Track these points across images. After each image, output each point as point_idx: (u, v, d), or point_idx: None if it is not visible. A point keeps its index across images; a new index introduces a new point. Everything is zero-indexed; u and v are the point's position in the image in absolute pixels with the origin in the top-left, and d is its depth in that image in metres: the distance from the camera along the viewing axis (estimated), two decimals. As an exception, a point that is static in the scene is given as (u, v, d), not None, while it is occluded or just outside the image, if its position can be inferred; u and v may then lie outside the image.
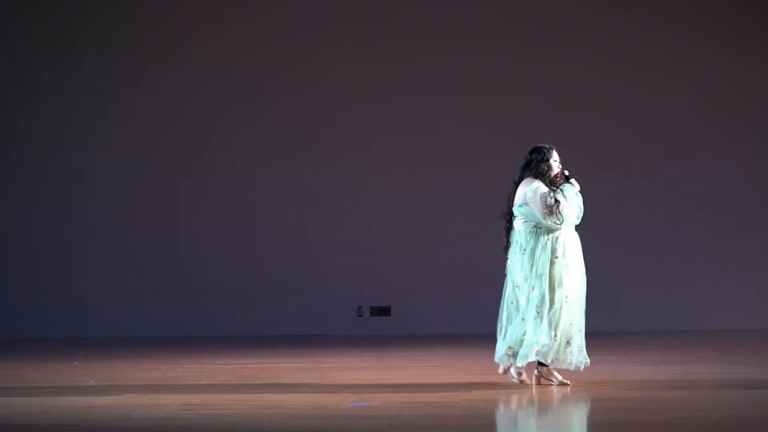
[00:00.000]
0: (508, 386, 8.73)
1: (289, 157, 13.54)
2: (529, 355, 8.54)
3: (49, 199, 13.57)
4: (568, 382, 8.63)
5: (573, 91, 13.44)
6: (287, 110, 13.58)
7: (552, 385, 8.62)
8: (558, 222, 8.56)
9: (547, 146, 8.80)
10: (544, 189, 8.60)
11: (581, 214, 8.67)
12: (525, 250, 8.62)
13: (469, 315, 13.39)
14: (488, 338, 12.59)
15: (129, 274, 13.48)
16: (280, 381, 9.30)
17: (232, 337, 13.03)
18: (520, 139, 13.27)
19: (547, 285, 8.53)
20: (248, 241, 13.52)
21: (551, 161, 8.73)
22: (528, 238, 8.63)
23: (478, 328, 13.25)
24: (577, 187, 8.71)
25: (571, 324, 8.55)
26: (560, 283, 8.55)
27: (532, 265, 8.58)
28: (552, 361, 8.54)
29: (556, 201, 8.55)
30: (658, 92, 13.45)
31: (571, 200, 8.61)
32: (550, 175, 8.70)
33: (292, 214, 13.53)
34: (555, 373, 8.65)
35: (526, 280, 8.58)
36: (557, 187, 8.65)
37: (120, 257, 13.52)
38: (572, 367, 8.57)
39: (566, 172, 8.74)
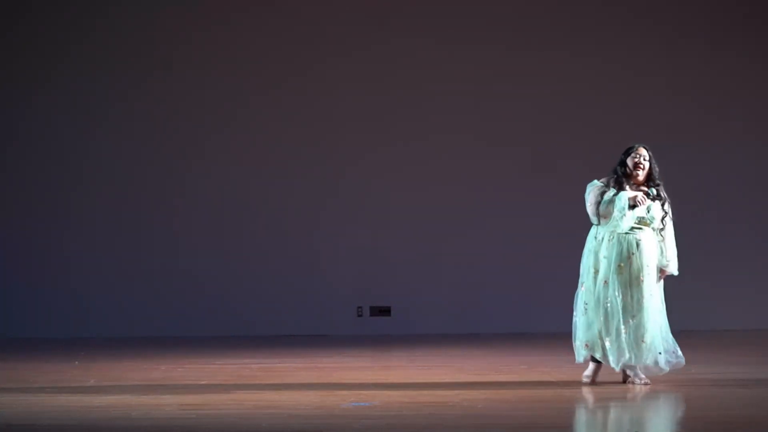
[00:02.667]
0: (509, 386, 8.75)
1: (289, 157, 13.54)
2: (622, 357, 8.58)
3: (48, 198, 13.56)
4: (648, 381, 8.64)
5: (573, 93, 13.42)
6: (288, 112, 13.57)
7: (637, 383, 8.63)
8: (594, 222, 8.66)
9: (631, 145, 8.78)
10: (596, 185, 8.67)
11: (619, 222, 8.60)
12: (590, 249, 8.70)
13: (469, 315, 13.40)
14: (488, 338, 12.64)
15: (129, 274, 13.47)
16: (279, 381, 9.30)
17: (232, 337, 13.03)
18: (519, 141, 13.40)
19: (606, 285, 8.54)
20: (248, 241, 13.51)
21: (627, 159, 8.68)
22: (591, 237, 8.72)
23: (478, 328, 13.28)
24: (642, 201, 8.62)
25: (645, 326, 8.56)
26: (627, 285, 8.56)
27: (592, 266, 8.65)
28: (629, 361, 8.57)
29: (600, 203, 8.58)
30: (657, 93, 13.43)
31: (614, 206, 8.59)
32: (624, 173, 8.67)
33: (292, 214, 13.52)
34: (638, 372, 8.67)
35: (591, 281, 8.65)
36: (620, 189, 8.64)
37: (120, 257, 13.50)
38: (655, 367, 8.61)
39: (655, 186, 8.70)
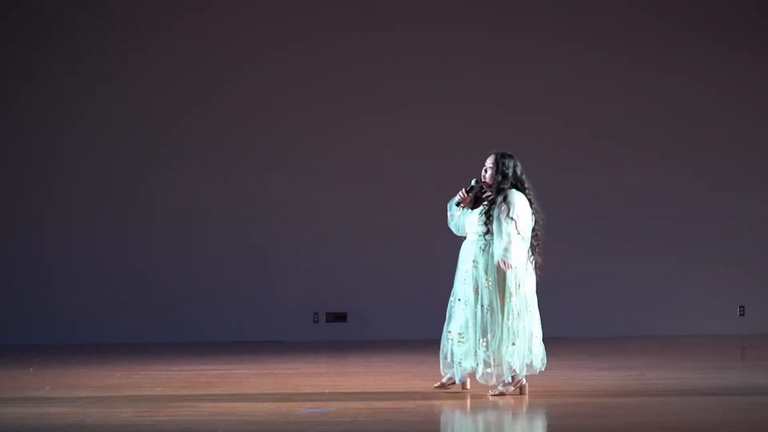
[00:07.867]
0: (464, 393, 8.76)
1: (244, 162, 13.51)
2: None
3: (4, 205, 13.49)
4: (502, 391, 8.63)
5: (538, 95, 13.46)
6: (240, 113, 13.54)
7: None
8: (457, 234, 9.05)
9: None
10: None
11: (453, 229, 9.03)
12: None
13: (425, 321, 13.38)
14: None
15: (83, 281, 13.38)
16: (235, 387, 9.28)
17: (188, 344, 12.99)
18: (474, 145, 13.35)
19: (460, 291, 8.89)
20: (203, 247, 13.46)
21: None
22: None
23: (434, 334, 13.27)
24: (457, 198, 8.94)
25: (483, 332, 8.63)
26: (472, 292, 8.73)
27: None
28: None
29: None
30: (621, 99, 13.49)
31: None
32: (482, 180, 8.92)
33: (247, 220, 13.49)
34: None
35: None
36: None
37: (73, 264, 13.42)
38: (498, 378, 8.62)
39: (473, 182, 8.93)
